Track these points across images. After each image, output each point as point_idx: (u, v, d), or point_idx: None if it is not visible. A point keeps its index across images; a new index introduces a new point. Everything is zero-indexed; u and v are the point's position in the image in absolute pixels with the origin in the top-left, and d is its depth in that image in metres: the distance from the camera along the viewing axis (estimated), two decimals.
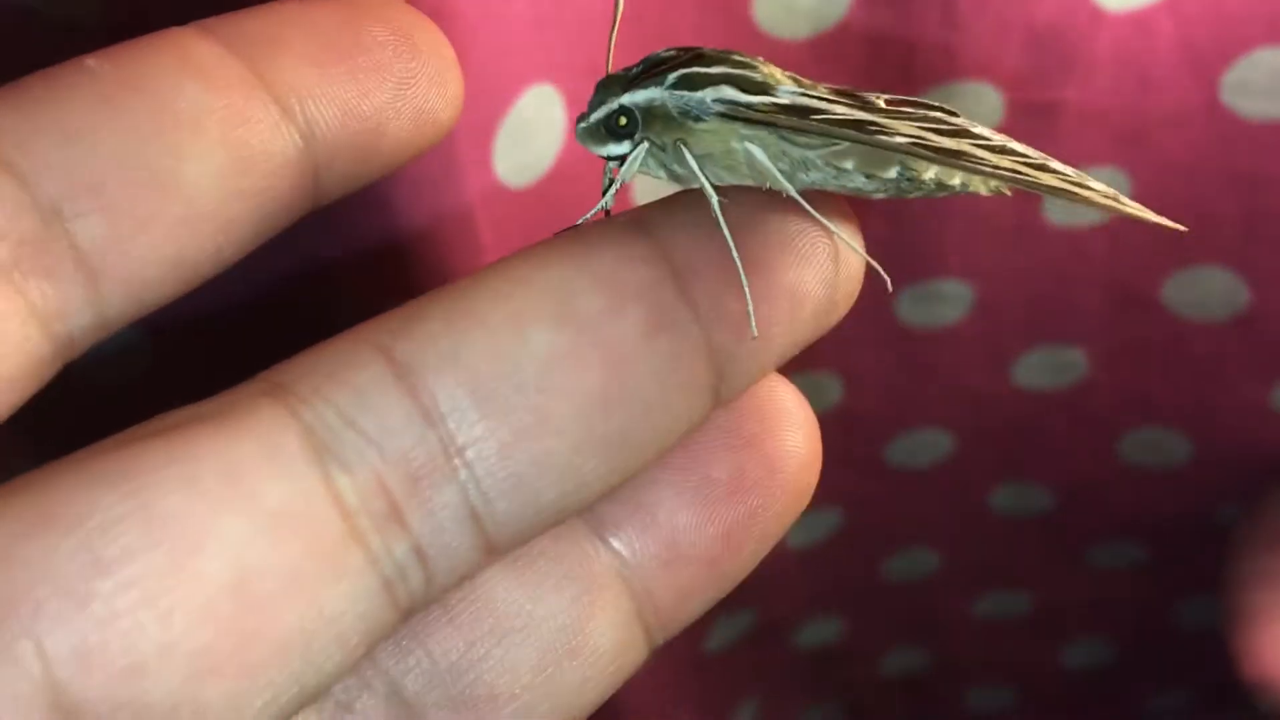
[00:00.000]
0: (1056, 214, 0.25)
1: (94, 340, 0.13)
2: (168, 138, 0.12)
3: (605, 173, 0.14)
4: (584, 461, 0.12)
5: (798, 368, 0.30)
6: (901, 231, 0.25)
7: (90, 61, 0.13)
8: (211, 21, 0.13)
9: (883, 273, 0.15)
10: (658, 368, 0.12)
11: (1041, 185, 0.13)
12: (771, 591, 0.32)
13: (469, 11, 0.18)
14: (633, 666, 0.14)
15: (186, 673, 0.11)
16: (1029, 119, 0.23)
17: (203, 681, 0.11)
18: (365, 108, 0.13)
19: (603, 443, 0.12)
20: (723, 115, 0.13)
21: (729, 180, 0.14)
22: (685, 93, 0.13)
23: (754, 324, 0.13)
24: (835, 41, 0.22)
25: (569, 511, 0.13)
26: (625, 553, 0.14)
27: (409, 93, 0.13)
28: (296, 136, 0.13)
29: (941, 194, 0.14)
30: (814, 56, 0.22)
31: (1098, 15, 0.21)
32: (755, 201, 0.14)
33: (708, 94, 0.13)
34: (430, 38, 0.14)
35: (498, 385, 0.12)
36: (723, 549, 0.14)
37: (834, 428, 0.29)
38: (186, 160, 0.12)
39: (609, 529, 0.14)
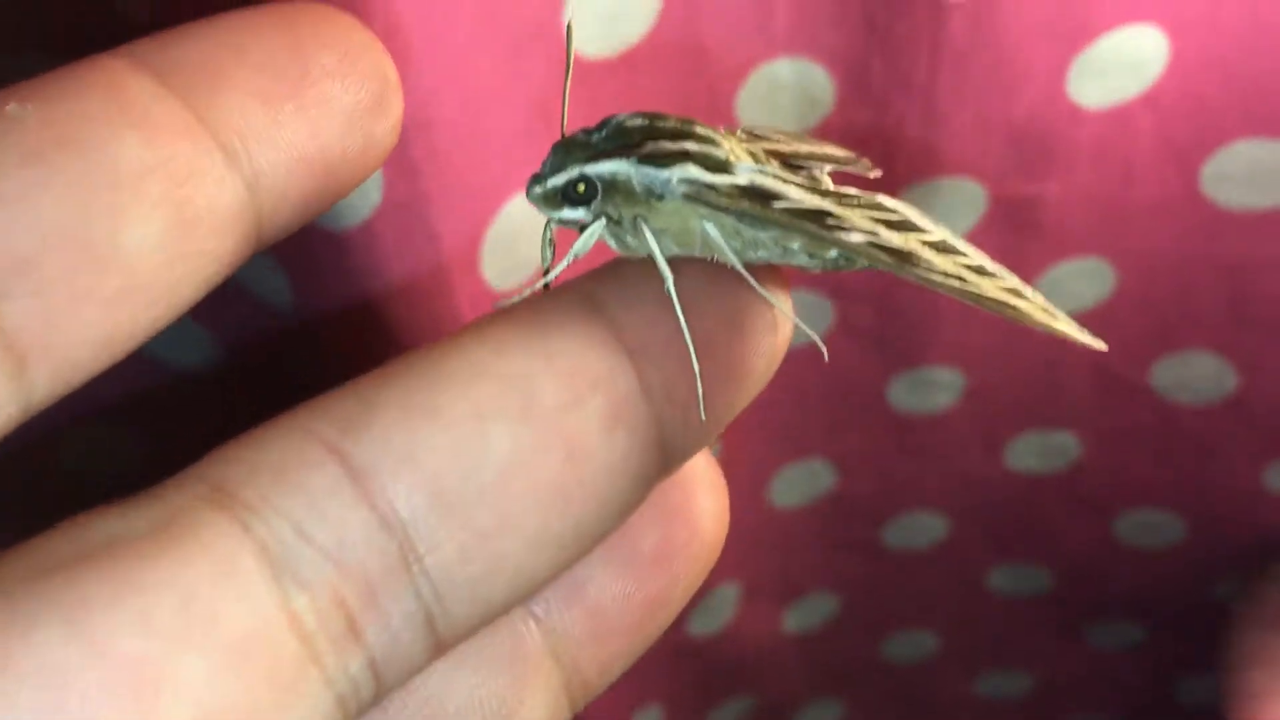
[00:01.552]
0: None
1: (15, 425, 0.12)
2: (105, 202, 0.11)
3: (544, 236, 0.14)
4: (538, 558, 0.12)
5: (790, 456, 0.30)
6: (892, 319, 0.25)
7: (12, 106, 0.11)
8: (144, 48, 0.12)
9: (820, 344, 0.15)
10: (615, 461, 0.12)
11: (981, 297, 0.13)
12: (770, 677, 0.32)
13: (458, 121, 0.18)
14: None
15: None
16: (1012, 211, 0.23)
17: None
18: (312, 147, 0.12)
19: (557, 539, 0.12)
20: (687, 197, 0.13)
21: (678, 253, 0.14)
22: (652, 170, 0.13)
23: (703, 408, 0.13)
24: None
25: (517, 604, 0.13)
26: (557, 629, 0.14)
27: (356, 125, 0.13)
28: (241, 187, 0.12)
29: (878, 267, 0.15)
30: None
31: (1077, 112, 0.22)
32: (702, 275, 0.13)
33: (674, 173, 0.13)
34: (375, 60, 0.13)
35: (459, 487, 0.12)
36: (647, 617, 0.14)
37: (828, 512, 0.29)
38: (126, 227, 0.11)
39: (540, 606, 0.14)
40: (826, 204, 0.14)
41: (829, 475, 0.28)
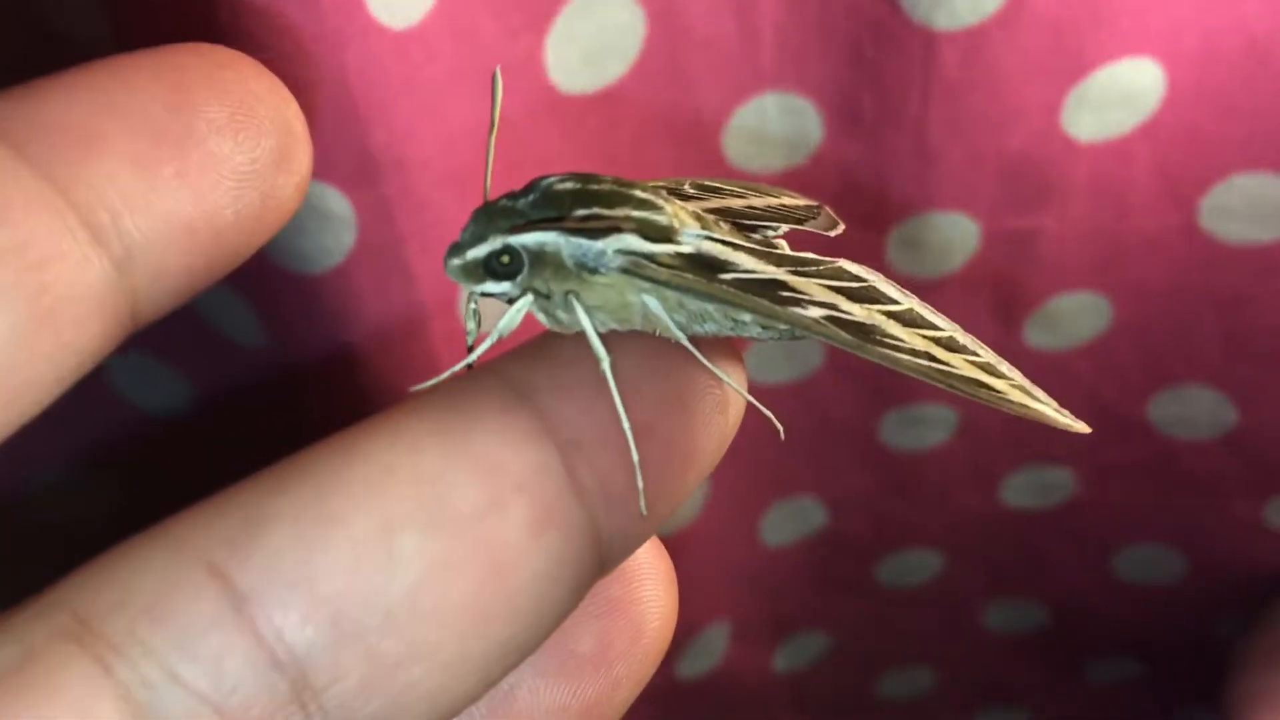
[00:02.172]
0: (1036, 337, 0.24)
1: None
2: None
3: (467, 308, 0.13)
4: (458, 682, 0.11)
5: (781, 494, 0.29)
6: None
7: None
8: None
9: (776, 423, 0.14)
10: (543, 569, 0.11)
11: (951, 375, 0.12)
12: (761, 717, 0.32)
13: (434, 159, 0.18)
14: None
15: None
16: (1007, 246, 0.23)
17: None
18: (197, 213, 0.11)
19: (478, 662, 0.11)
20: (624, 269, 0.12)
21: (615, 328, 0.12)
22: (584, 242, 0.12)
23: (644, 502, 0.12)
24: (807, 174, 0.22)
25: None
26: None
27: (251, 185, 0.11)
28: (109, 266, 0.10)
29: None
30: (787, 189, 0.22)
31: (1072, 145, 0.21)
32: (642, 352, 0.12)
33: (609, 244, 0.12)
34: (275, 110, 0.11)
35: (361, 613, 0.10)
36: None
37: (820, 550, 0.29)
38: None
39: None
40: (781, 273, 0.12)
41: (820, 513, 0.28)
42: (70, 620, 0.10)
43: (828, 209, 0.15)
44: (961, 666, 0.32)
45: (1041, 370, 0.25)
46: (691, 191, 0.13)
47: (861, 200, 0.22)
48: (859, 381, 0.25)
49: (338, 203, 0.17)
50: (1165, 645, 0.31)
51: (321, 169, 0.14)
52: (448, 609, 0.10)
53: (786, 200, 0.14)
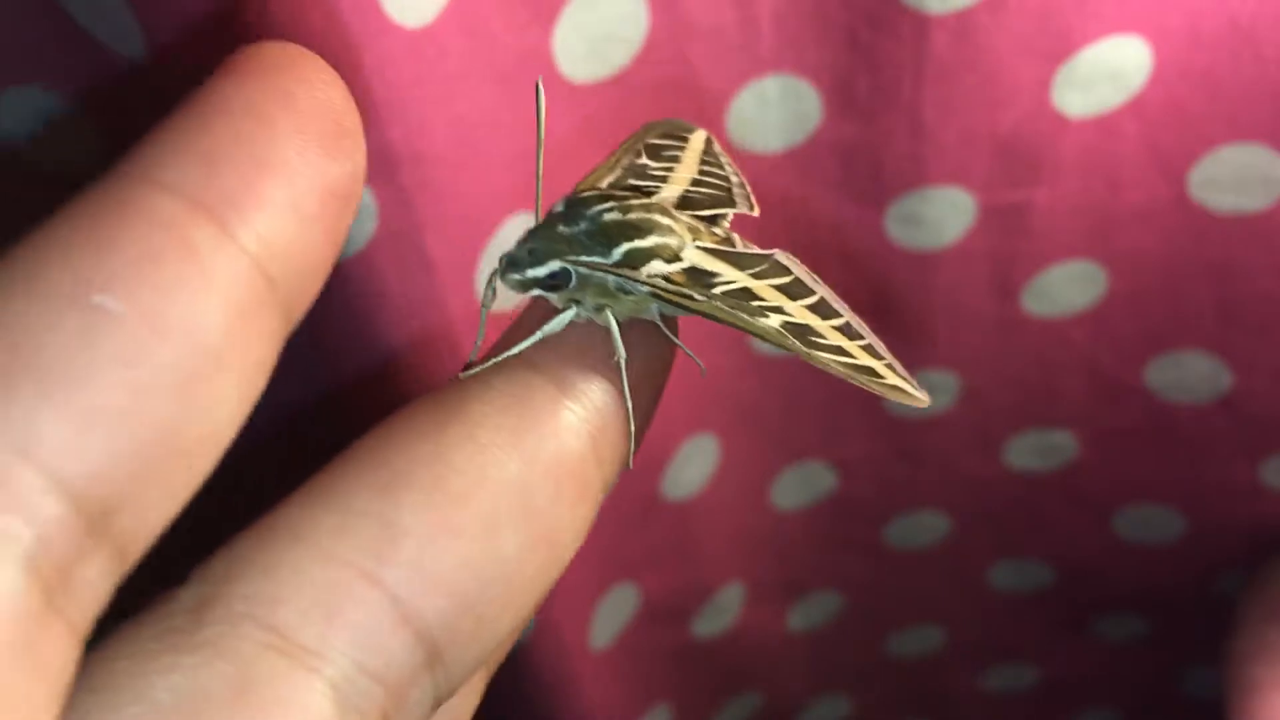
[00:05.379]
0: (1033, 305, 0.25)
1: (112, 585, 0.12)
2: (201, 390, 0.11)
3: (486, 291, 0.15)
4: (522, 617, 0.14)
5: (790, 459, 0.30)
6: (886, 326, 0.26)
7: (99, 298, 0.11)
8: (171, 172, 0.11)
9: (699, 362, 0.16)
10: (579, 530, 0.14)
11: (854, 369, 0.15)
12: (777, 674, 0.33)
13: (450, 150, 0.19)
14: None
15: None
16: (1002, 219, 0.23)
17: None
18: (328, 252, 0.12)
19: (536, 597, 0.14)
20: (651, 293, 0.14)
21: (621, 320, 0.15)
22: (628, 270, 0.14)
23: (631, 461, 0.15)
24: (807, 153, 0.22)
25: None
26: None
27: (350, 209, 0.13)
28: (280, 316, 0.12)
29: None
30: (787, 167, 0.23)
31: (1062, 121, 0.22)
32: (633, 338, 0.15)
33: (643, 272, 0.14)
34: (351, 112, 0.13)
35: (476, 591, 0.13)
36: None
37: (830, 513, 0.30)
38: (216, 405, 0.11)
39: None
40: (746, 278, 0.15)
41: (829, 477, 0.29)
42: (264, 632, 0.12)
43: (745, 189, 0.17)
44: (970, 625, 0.33)
45: (1041, 336, 0.26)
46: (654, 168, 0.16)
47: (860, 177, 0.23)
48: None
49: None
50: (1168, 603, 0.31)
51: None
52: (524, 576, 0.13)
53: (709, 171, 0.17)
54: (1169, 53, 0.21)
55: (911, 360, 0.26)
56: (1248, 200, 0.23)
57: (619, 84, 0.21)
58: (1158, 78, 0.21)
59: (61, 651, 0.10)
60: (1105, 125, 0.22)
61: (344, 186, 0.12)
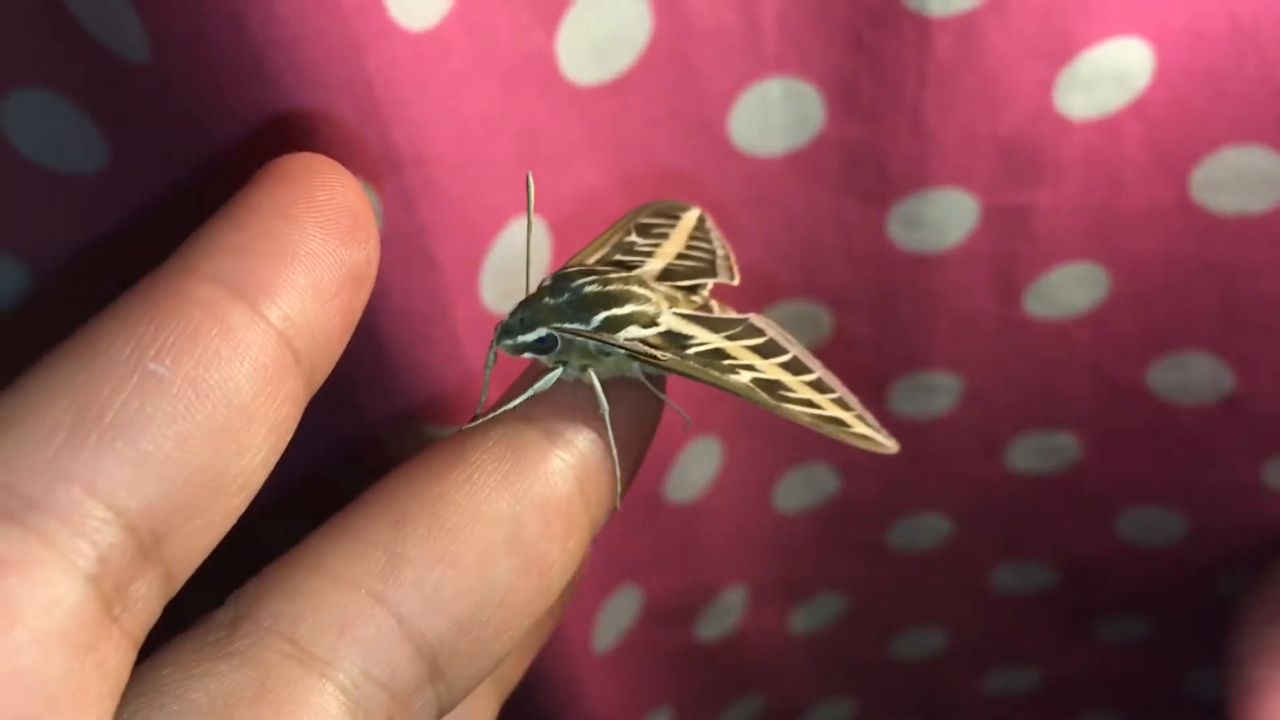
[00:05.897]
0: (1037, 306, 0.25)
1: (160, 603, 0.14)
2: (234, 442, 0.13)
3: (489, 358, 0.17)
4: (515, 638, 0.16)
5: (794, 461, 0.30)
6: (890, 327, 0.26)
7: (154, 366, 0.13)
8: (214, 263, 0.14)
9: (686, 417, 0.18)
10: (567, 563, 0.16)
11: (821, 419, 0.17)
12: (780, 676, 0.33)
13: (452, 153, 0.19)
14: None
15: None
16: (1004, 220, 0.23)
17: None
18: (345, 326, 0.15)
19: (527, 620, 0.16)
20: (629, 354, 0.16)
21: (604, 378, 0.17)
22: (608, 335, 0.16)
23: (619, 501, 0.16)
24: (810, 155, 0.23)
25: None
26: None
27: (365, 289, 0.15)
28: (300, 381, 0.14)
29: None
30: (791, 170, 0.23)
31: (1064, 123, 0.22)
32: (618, 392, 0.17)
33: (621, 336, 0.16)
34: (365, 208, 0.15)
35: (472, 614, 0.15)
36: None
37: (832, 515, 0.30)
38: (246, 454, 0.13)
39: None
40: (720, 340, 0.17)
41: (832, 479, 0.29)
42: (285, 644, 0.14)
43: (729, 261, 0.19)
44: (972, 627, 0.33)
45: (1043, 338, 0.26)
46: (641, 245, 0.18)
47: (862, 179, 0.23)
48: (866, 351, 0.26)
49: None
50: (1170, 604, 0.31)
51: (348, 164, 0.15)
52: (517, 601, 0.15)
53: (697, 245, 0.19)
54: (1171, 54, 0.21)
55: (914, 362, 0.26)
56: (1250, 201, 0.23)
57: (620, 88, 0.21)
58: (1160, 79, 0.21)
59: (117, 653, 0.13)
60: (1107, 127, 0.22)
61: (359, 270, 0.15)
